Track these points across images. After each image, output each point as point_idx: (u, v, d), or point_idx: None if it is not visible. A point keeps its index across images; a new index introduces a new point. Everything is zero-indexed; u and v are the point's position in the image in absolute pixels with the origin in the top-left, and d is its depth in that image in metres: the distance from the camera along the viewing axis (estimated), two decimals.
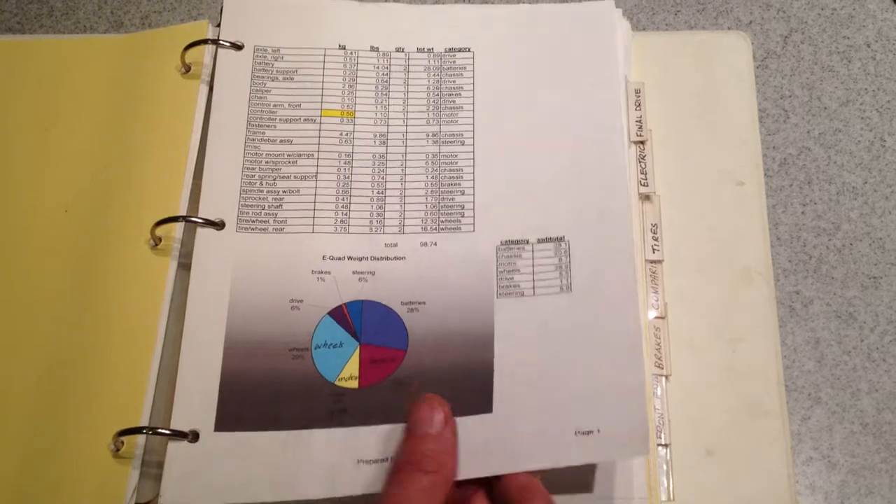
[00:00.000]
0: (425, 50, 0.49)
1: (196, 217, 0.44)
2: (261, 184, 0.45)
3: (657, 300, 0.43)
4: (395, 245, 0.44)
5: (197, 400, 0.40)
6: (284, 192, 0.45)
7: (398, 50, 0.49)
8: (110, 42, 0.50)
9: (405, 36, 0.49)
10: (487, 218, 0.44)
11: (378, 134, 0.47)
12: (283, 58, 0.48)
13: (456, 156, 0.46)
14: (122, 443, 0.39)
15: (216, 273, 0.43)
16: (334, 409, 0.40)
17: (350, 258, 0.44)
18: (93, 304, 0.43)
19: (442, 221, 0.45)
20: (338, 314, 0.43)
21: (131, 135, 0.47)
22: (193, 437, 0.39)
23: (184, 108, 0.47)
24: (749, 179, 0.46)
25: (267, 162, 0.46)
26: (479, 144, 0.46)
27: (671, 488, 0.39)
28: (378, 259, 0.44)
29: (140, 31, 0.51)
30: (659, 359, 0.41)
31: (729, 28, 0.51)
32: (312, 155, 0.46)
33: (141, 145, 0.47)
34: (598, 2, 0.48)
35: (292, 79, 0.47)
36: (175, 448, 0.39)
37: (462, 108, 0.47)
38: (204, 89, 0.48)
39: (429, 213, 0.45)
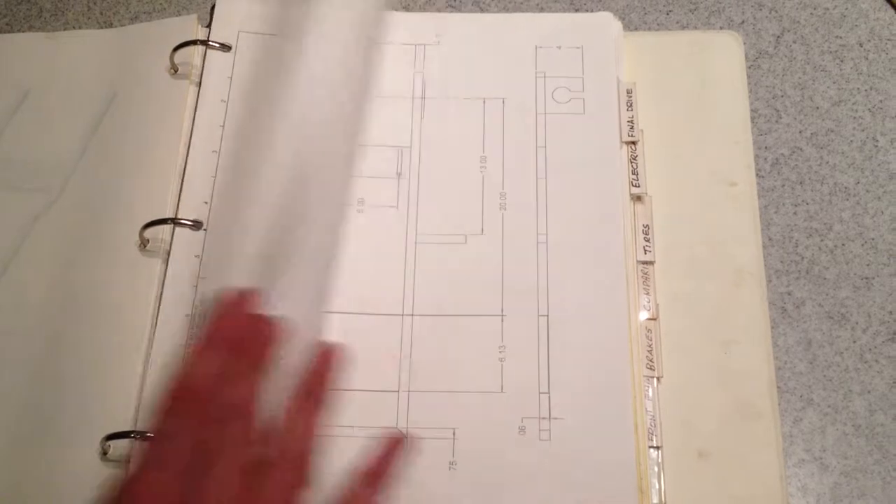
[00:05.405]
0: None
1: (185, 219, 0.43)
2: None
3: (649, 301, 0.42)
4: None
5: None
6: None
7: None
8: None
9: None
10: None
11: None
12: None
13: None
14: (110, 447, 0.39)
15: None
16: None
17: None
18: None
19: None
20: None
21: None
22: None
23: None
24: (741, 180, 0.46)
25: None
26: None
27: (663, 491, 0.39)
28: None
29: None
30: (650, 360, 0.41)
31: (721, 28, 0.51)
32: None
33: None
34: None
35: None
36: None
37: None
38: (193, 90, 0.47)
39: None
